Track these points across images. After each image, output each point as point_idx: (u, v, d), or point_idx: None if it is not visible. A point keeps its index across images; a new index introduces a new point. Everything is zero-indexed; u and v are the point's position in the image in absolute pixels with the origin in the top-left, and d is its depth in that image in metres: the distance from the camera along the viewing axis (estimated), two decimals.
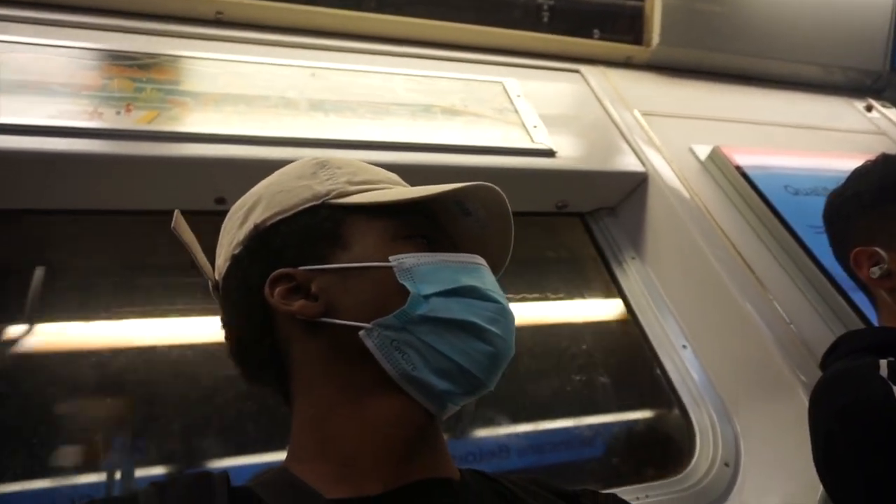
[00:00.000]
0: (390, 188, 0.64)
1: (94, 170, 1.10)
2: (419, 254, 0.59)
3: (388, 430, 0.56)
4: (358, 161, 0.68)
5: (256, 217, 0.62)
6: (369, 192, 0.62)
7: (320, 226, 0.60)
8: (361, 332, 0.56)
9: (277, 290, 0.59)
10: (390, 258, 0.58)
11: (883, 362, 0.82)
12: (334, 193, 0.62)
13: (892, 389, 0.78)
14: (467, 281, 0.59)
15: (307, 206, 0.61)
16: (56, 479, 0.92)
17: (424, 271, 0.58)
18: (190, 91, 1.25)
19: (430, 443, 0.58)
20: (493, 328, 0.58)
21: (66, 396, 0.99)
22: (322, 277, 0.59)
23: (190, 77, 1.28)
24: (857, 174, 1.05)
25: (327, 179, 0.63)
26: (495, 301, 0.60)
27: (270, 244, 0.61)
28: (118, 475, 0.95)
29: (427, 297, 0.56)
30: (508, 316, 0.60)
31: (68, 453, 0.94)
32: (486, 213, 0.65)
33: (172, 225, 0.64)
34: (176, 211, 0.65)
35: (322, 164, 0.65)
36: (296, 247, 0.60)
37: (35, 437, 0.94)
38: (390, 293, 0.57)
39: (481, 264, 0.62)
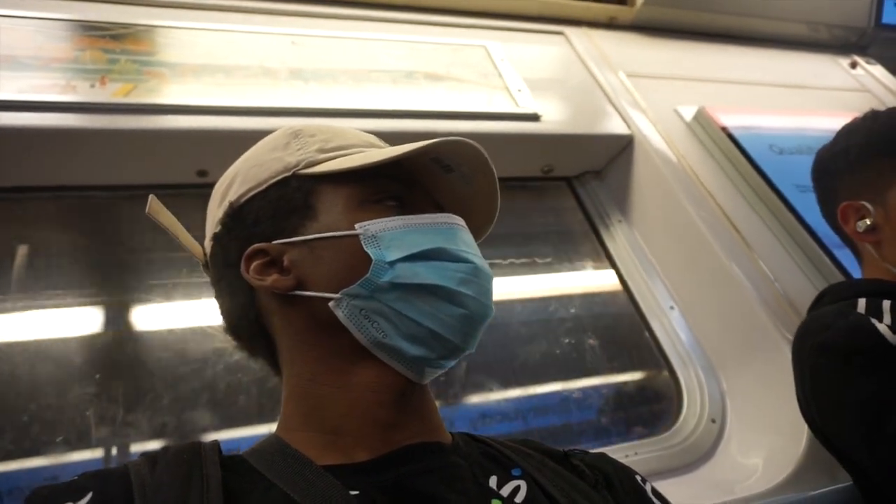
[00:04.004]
0: (364, 151, 0.62)
1: (71, 145, 1.07)
2: (386, 218, 0.57)
3: (370, 398, 0.56)
4: (335, 126, 0.66)
5: (232, 194, 0.61)
6: (338, 159, 0.60)
7: (291, 197, 0.59)
8: (331, 303, 0.55)
9: (253, 265, 0.59)
10: (356, 225, 0.56)
11: (861, 300, 0.85)
12: (304, 163, 0.60)
13: (868, 318, 0.80)
14: (437, 242, 0.56)
15: (278, 178, 0.60)
16: (51, 456, 0.92)
17: (391, 236, 0.56)
18: (166, 62, 1.21)
19: (416, 408, 0.58)
20: (464, 290, 0.56)
21: (52, 374, 0.99)
22: (293, 250, 0.58)
23: (166, 47, 1.25)
24: (846, 130, 1.05)
25: (298, 149, 0.61)
26: (467, 261, 0.57)
27: (245, 220, 0.60)
28: (114, 451, 0.95)
29: (392, 262, 0.55)
30: (482, 275, 0.58)
31: (62, 430, 0.94)
32: (468, 168, 0.62)
33: (147, 210, 0.63)
34: (150, 196, 0.63)
35: (295, 134, 0.63)
36: (269, 221, 0.59)
37: (25, 414, 0.94)
38: (358, 262, 0.55)
39: (455, 224, 0.60)
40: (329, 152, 0.61)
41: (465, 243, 0.59)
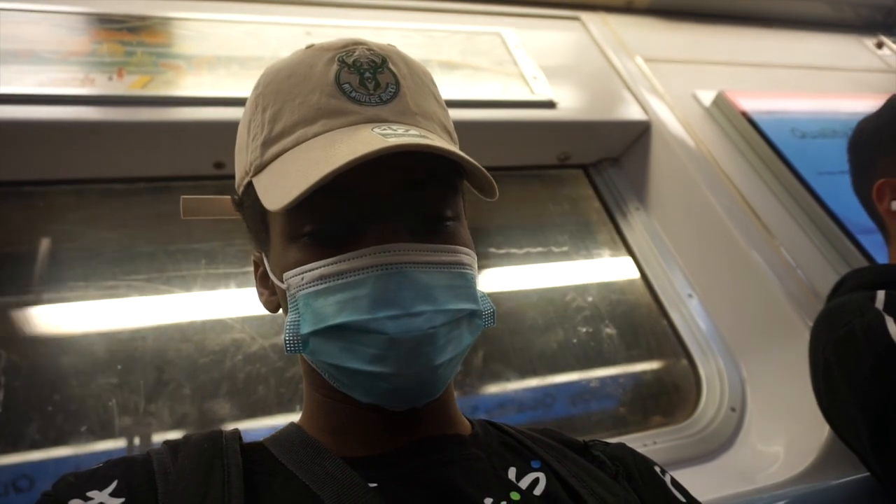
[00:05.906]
0: (308, 140, 0.49)
1: (89, 137, 1.08)
2: (301, 270, 0.49)
3: (371, 415, 0.53)
4: (292, 72, 0.52)
5: (237, 173, 0.57)
6: (275, 163, 0.50)
7: (255, 211, 0.53)
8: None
9: (258, 273, 0.58)
10: (283, 276, 0.51)
11: (880, 293, 0.83)
12: (253, 167, 0.52)
13: (884, 319, 0.78)
14: (342, 314, 0.47)
15: (247, 181, 0.53)
16: (74, 446, 0.93)
17: (305, 299, 0.49)
18: (182, 54, 1.22)
19: (425, 409, 0.54)
20: (378, 369, 0.47)
21: (75, 366, 1.00)
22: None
23: (182, 39, 1.25)
24: (893, 104, 1.02)
25: (252, 139, 0.53)
26: (378, 332, 0.46)
27: (244, 217, 0.58)
28: (137, 440, 0.97)
29: (306, 337, 0.49)
30: (401, 345, 0.46)
31: (86, 421, 0.96)
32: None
33: (182, 216, 0.60)
34: (181, 198, 0.60)
35: (255, 100, 0.54)
36: (253, 230, 0.57)
37: (49, 405, 0.95)
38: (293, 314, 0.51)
39: (376, 268, 0.47)
40: (274, 143, 0.51)
41: (386, 291, 0.46)
